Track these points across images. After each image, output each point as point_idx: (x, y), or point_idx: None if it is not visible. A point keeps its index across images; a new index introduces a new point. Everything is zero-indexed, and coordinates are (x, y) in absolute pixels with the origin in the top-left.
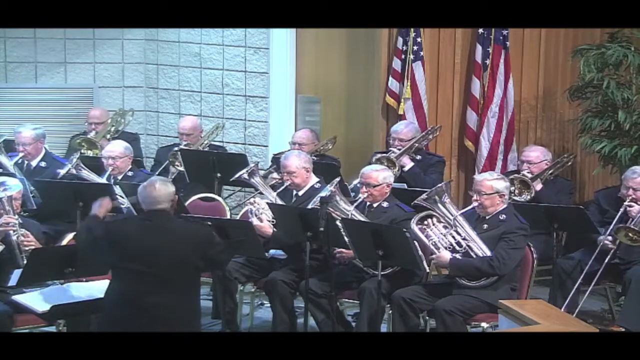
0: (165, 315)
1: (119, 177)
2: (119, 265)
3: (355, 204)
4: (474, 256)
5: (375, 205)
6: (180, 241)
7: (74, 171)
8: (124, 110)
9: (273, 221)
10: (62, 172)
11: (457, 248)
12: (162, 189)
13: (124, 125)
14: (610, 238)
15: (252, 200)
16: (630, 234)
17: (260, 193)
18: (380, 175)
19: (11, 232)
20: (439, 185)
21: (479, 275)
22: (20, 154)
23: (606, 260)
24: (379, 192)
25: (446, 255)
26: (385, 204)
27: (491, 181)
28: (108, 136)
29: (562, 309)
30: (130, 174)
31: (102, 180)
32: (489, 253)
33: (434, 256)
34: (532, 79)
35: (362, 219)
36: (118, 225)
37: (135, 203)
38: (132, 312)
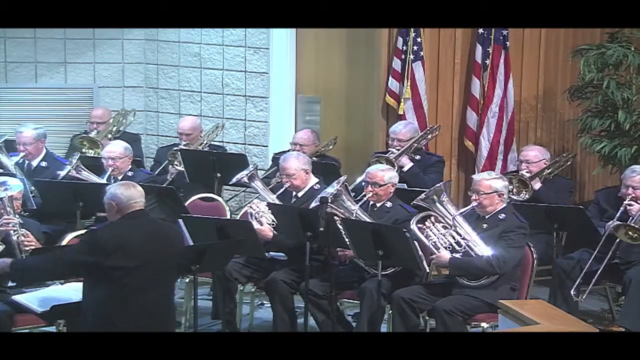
0: (159, 312)
1: (119, 178)
2: (115, 268)
3: (360, 203)
4: (474, 255)
5: (378, 205)
6: (166, 238)
7: (74, 172)
8: (126, 110)
9: (273, 224)
10: (62, 173)
11: (457, 248)
12: (139, 188)
13: (125, 125)
14: (617, 222)
15: (251, 204)
16: (630, 232)
17: (260, 195)
18: (386, 175)
19: (11, 232)
20: (438, 185)
21: (479, 275)
22: (21, 154)
23: (606, 260)
24: (384, 192)
25: (446, 255)
26: (388, 204)
27: (489, 180)
28: (110, 136)
29: (572, 290)
30: (130, 174)
31: (103, 180)
32: (488, 252)
33: (433, 256)
34: (532, 79)
35: (366, 218)
36: (111, 230)
37: None
38: (130, 312)
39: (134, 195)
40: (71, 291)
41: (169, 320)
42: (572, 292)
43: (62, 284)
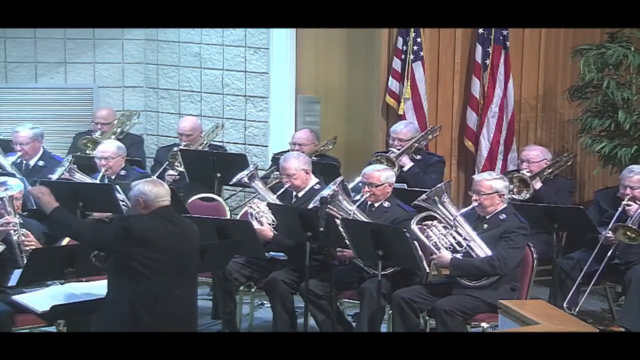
0: (187, 308)
1: (113, 177)
2: (139, 261)
3: (357, 203)
4: (475, 256)
5: (376, 205)
6: (191, 234)
7: (67, 174)
8: (130, 111)
9: (273, 224)
10: (54, 177)
11: (458, 248)
12: (166, 186)
13: (129, 126)
14: (610, 234)
15: (251, 204)
16: (628, 233)
17: (260, 195)
18: (382, 174)
19: (12, 232)
20: (439, 185)
21: (479, 275)
22: (18, 154)
23: (605, 260)
24: (381, 192)
25: (447, 255)
26: (386, 204)
27: (490, 181)
28: (113, 137)
29: (565, 304)
30: (123, 173)
31: (96, 181)
32: (489, 253)
33: (434, 256)
34: (532, 79)
35: (364, 218)
36: (142, 222)
37: None
38: (157, 309)
39: (161, 192)
40: (71, 291)
41: (192, 320)
42: (565, 305)
43: (62, 284)
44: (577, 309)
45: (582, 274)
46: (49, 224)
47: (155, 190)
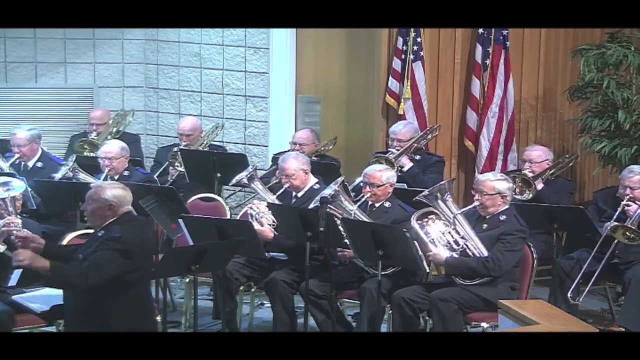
0: (152, 311)
1: (116, 178)
2: (135, 271)
3: (358, 203)
4: (471, 255)
5: (377, 205)
6: (151, 236)
7: (70, 174)
8: (125, 111)
9: (274, 224)
10: (57, 176)
11: (455, 247)
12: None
13: (125, 126)
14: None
15: (251, 204)
16: (627, 233)
17: (259, 195)
18: (383, 175)
19: (14, 232)
20: (442, 182)
21: (473, 275)
22: (16, 155)
23: (605, 257)
24: (382, 192)
25: (443, 253)
26: (387, 204)
27: (494, 182)
28: (109, 137)
29: (569, 294)
30: (126, 173)
31: (99, 182)
32: (485, 253)
33: (430, 253)
34: (532, 79)
35: (365, 218)
36: (129, 233)
37: None
38: (145, 313)
39: (128, 197)
40: None
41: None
42: (569, 294)
43: None
44: (580, 299)
45: (582, 272)
46: (49, 281)
47: (128, 195)
